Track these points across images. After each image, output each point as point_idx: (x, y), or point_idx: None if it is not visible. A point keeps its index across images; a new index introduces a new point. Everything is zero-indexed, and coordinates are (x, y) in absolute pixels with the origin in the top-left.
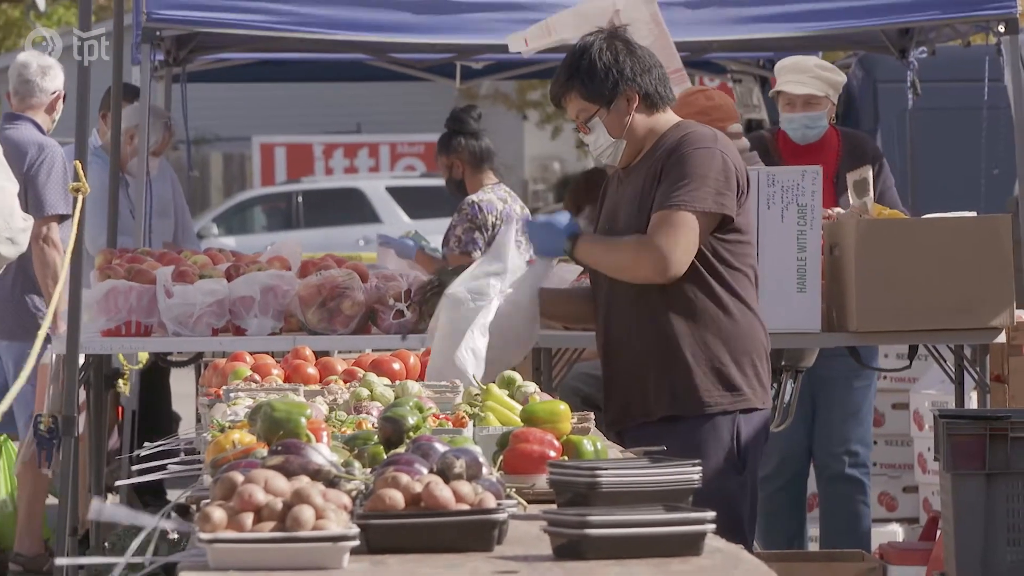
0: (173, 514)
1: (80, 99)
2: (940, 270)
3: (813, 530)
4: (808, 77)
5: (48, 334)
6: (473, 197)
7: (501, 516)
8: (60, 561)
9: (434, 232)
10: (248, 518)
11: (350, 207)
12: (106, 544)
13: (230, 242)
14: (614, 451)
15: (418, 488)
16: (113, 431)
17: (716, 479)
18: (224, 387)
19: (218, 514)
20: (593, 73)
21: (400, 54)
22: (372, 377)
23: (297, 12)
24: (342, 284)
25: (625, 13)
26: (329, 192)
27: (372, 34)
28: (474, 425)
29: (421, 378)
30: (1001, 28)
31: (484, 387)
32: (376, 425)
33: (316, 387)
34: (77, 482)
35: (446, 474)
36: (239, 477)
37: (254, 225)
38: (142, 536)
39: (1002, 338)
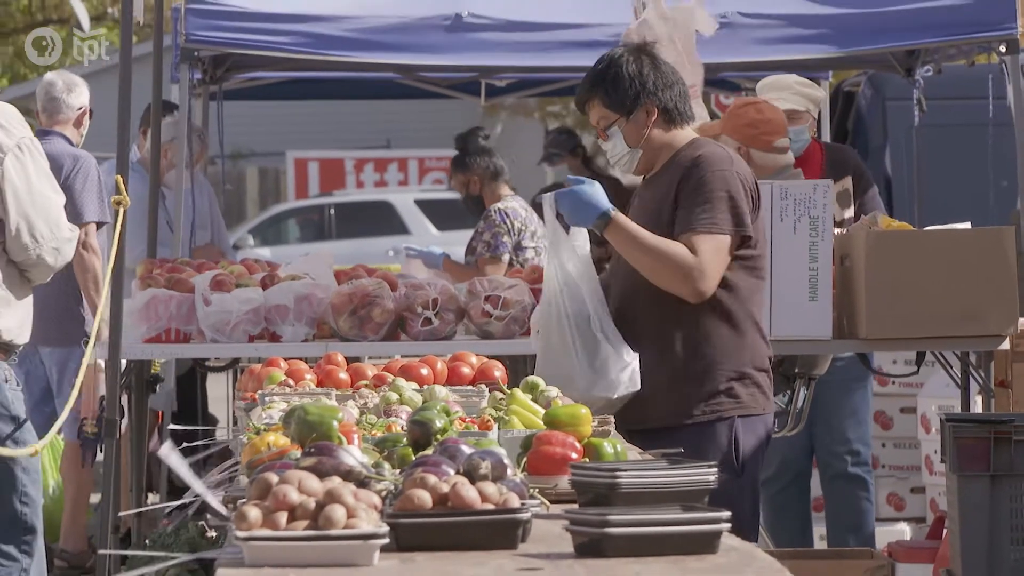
0: (212, 495)
1: (121, 114)
2: (946, 280)
3: (820, 530)
4: (789, 94)
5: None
6: (498, 205)
7: (525, 515)
8: (103, 552)
9: (461, 244)
10: (282, 517)
11: (380, 219)
12: (147, 541)
13: (265, 253)
14: (633, 453)
15: (445, 488)
16: (153, 433)
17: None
18: (260, 391)
19: (254, 513)
20: (617, 83)
21: (428, 73)
22: (401, 382)
23: (327, 35)
24: (372, 293)
25: (650, 29)
26: (360, 205)
27: (400, 55)
28: (499, 428)
29: (448, 383)
30: (1003, 48)
31: (509, 391)
32: (405, 428)
33: (347, 391)
34: (119, 482)
35: (472, 475)
36: (274, 478)
37: (288, 236)
38: (188, 498)
39: (1006, 345)
